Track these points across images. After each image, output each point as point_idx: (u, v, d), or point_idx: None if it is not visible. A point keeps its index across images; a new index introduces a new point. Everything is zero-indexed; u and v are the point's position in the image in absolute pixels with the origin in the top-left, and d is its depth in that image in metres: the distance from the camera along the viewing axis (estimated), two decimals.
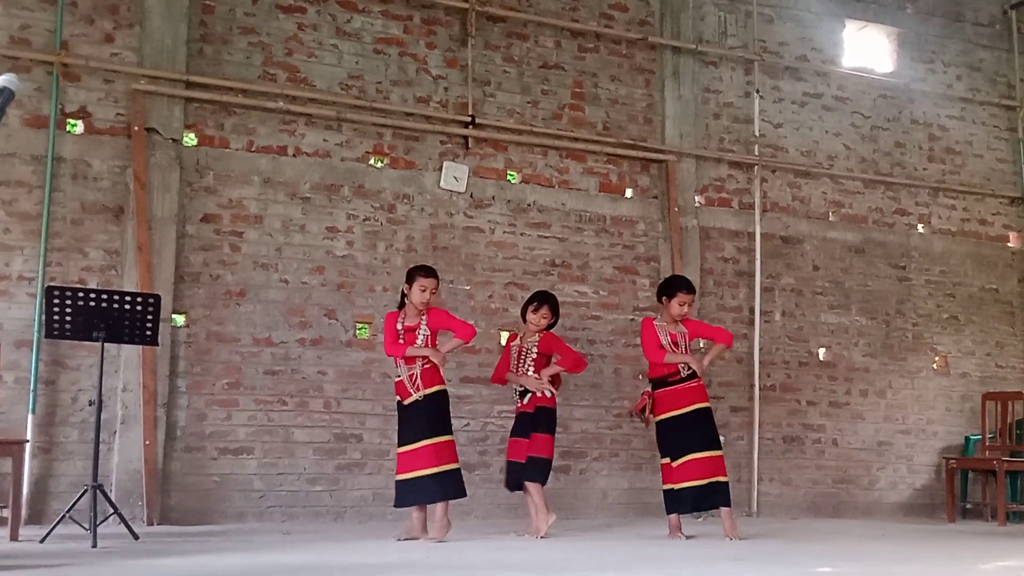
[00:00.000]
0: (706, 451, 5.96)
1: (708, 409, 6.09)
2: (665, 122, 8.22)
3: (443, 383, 5.80)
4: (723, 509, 6.00)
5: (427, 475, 5.63)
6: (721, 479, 5.96)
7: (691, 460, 5.95)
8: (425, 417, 5.69)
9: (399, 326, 5.81)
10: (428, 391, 5.70)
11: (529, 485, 6.01)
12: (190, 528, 6.24)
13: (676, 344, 6.08)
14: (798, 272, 8.60)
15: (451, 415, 5.90)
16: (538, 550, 5.37)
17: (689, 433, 6.00)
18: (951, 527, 7.70)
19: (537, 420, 6.08)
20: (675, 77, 8.28)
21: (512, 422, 6.27)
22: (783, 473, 8.30)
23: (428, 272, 5.87)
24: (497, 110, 7.73)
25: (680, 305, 6.12)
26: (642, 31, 8.26)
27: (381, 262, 7.23)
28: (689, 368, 6.03)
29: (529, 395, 6.09)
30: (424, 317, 5.79)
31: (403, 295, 5.91)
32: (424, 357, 5.72)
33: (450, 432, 5.79)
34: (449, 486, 5.68)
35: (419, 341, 5.74)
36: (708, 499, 5.98)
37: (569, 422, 7.50)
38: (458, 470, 5.74)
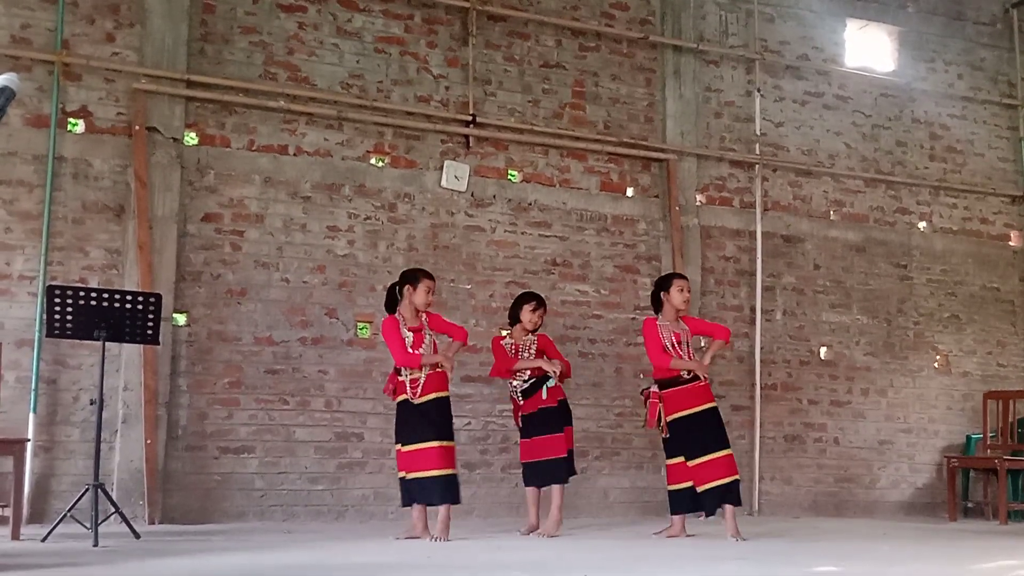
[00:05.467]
0: (723, 450, 5.95)
1: (717, 408, 6.07)
2: (666, 121, 8.22)
3: (447, 389, 5.80)
4: (728, 508, 5.96)
5: (433, 476, 5.63)
6: (736, 477, 5.96)
7: (711, 460, 5.91)
8: (433, 419, 5.69)
9: (404, 331, 5.77)
10: (435, 395, 5.72)
11: (559, 486, 6.05)
12: (191, 527, 6.24)
13: (679, 343, 6.04)
14: (799, 271, 8.60)
15: (452, 415, 5.91)
16: (539, 549, 5.37)
17: (705, 432, 5.96)
18: (952, 526, 7.70)
19: (564, 413, 6.15)
20: (676, 76, 8.28)
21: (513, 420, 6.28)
22: (784, 472, 8.30)
23: (430, 274, 5.94)
24: (498, 109, 7.73)
25: (679, 291, 6.09)
26: (643, 30, 8.25)
27: (382, 261, 7.23)
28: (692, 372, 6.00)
29: (546, 384, 6.08)
30: (424, 320, 5.80)
31: (391, 296, 5.91)
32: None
33: (453, 438, 5.82)
34: (453, 490, 5.68)
35: (425, 345, 5.76)
36: (724, 497, 5.95)
37: None
38: (457, 476, 5.75)
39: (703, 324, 6.48)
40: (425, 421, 5.68)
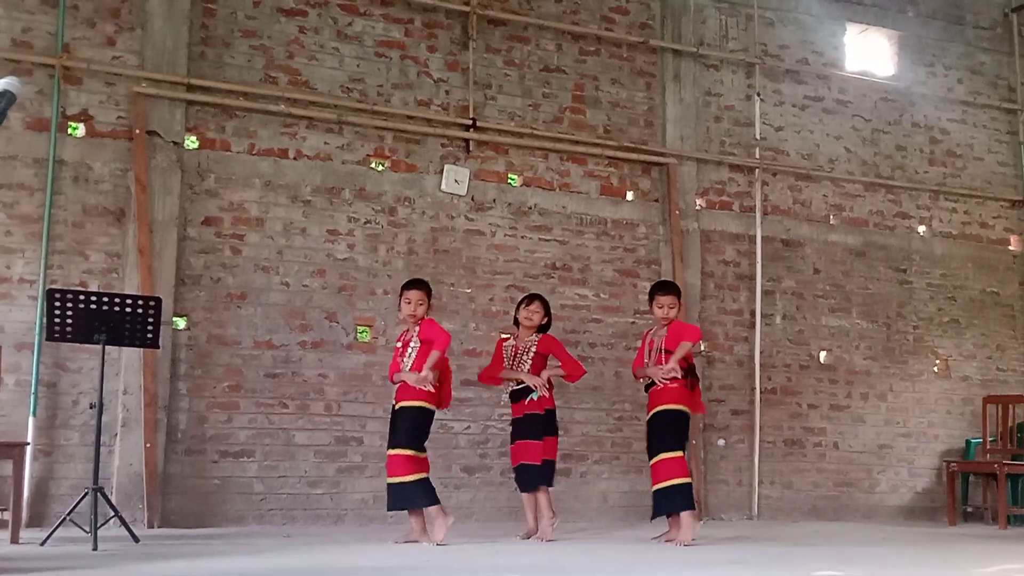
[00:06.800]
0: (662, 454, 5.93)
1: (667, 412, 5.97)
2: (666, 125, 8.22)
3: (422, 399, 5.73)
4: (683, 514, 5.90)
5: (402, 482, 5.67)
6: (674, 482, 5.87)
7: (655, 463, 5.96)
8: (397, 427, 5.76)
9: (399, 343, 5.93)
10: (401, 404, 5.78)
11: (543, 490, 6.05)
12: (191, 531, 6.24)
13: (652, 350, 6.11)
14: (799, 275, 8.60)
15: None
16: (538, 553, 5.37)
17: (650, 435, 6.06)
18: (952, 530, 7.70)
19: (548, 422, 6.13)
20: (676, 80, 8.28)
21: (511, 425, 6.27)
22: (784, 476, 8.29)
23: (411, 284, 5.93)
24: (498, 113, 7.74)
25: (659, 308, 6.16)
26: (643, 34, 8.26)
27: (382, 265, 7.24)
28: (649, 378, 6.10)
29: (531, 396, 6.06)
30: (415, 331, 5.83)
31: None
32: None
33: (415, 448, 5.72)
34: (420, 495, 5.69)
35: (407, 356, 5.80)
36: (666, 503, 5.94)
37: (570, 425, 7.50)
38: (412, 481, 5.68)
39: (674, 337, 6.11)
40: (393, 428, 5.80)
